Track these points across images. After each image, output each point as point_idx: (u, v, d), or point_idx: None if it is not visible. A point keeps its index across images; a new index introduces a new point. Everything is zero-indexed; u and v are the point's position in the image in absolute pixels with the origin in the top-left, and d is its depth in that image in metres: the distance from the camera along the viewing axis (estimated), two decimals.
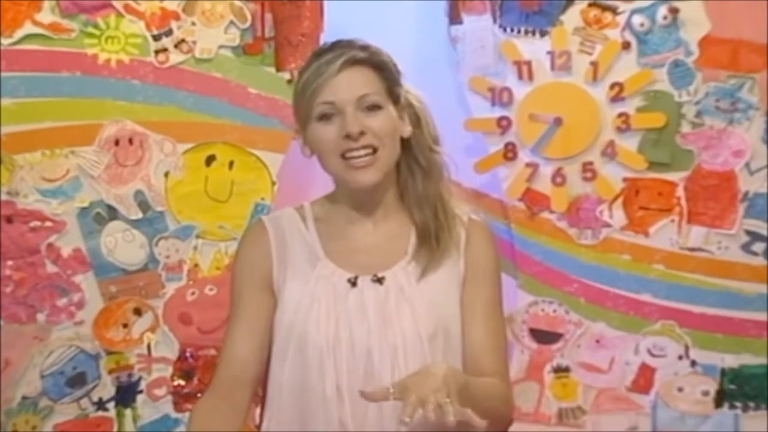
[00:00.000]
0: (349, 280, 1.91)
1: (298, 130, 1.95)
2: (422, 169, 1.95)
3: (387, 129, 1.88)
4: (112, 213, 2.83)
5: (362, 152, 1.87)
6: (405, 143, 1.95)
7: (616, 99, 2.89)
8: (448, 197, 1.97)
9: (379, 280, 1.91)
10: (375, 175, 1.88)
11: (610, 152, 2.90)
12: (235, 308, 1.96)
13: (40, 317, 2.81)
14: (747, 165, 2.89)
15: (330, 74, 1.86)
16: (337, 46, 1.92)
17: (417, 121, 1.96)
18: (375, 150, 1.87)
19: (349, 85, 1.87)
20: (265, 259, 1.94)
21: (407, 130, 1.94)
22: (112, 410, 2.86)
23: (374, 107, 1.88)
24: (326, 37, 2.82)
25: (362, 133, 1.86)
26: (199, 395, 2.79)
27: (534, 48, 2.90)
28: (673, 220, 2.92)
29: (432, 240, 1.93)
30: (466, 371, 1.92)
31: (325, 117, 1.88)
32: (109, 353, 2.85)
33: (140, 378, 2.87)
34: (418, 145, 1.95)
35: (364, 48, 1.92)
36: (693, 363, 2.93)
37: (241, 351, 1.92)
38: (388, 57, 1.95)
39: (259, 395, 2.06)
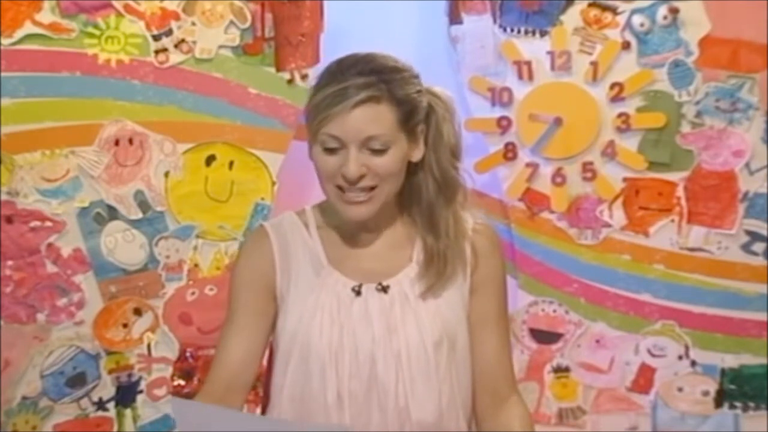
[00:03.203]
0: (353, 289, 1.88)
1: (308, 139, 1.89)
2: (437, 184, 1.90)
3: (391, 169, 1.83)
4: (112, 213, 2.83)
5: (359, 191, 1.82)
6: (422, 157, 1.89)
7: (616, 99, 2.89)
8: (460, 214, 1.92)
9: (384, 289, 1.88)
10: (369, 211, 1.85)
11: (610, 152, 2.90)
12: (233, 313, 1.93)
13: (40, 317, 2.81)
14: (747, 165, 2.89)
15: (343, 108, 1.78)
16: (358, 68, 1.82)
17: (439, 133, 1.89)
18: (374, 188, 1.83)
19: (359, 124, 1.79)
20: (268, 266, 1.91)
21: (418, 154, 1.87)
22: (112, 410, 2.86)
23: (381, 149, 1.81)
24: (326, 37, 2.83)
25: (362, 176, 1.81)
26: None
27: (534, 48, 2.90)
28: (673, 220, 2.92)
29: (441, 262, 1.88)
30: (480, 383, 1.93)
31: (329, 147, 1.82)
32: (109, 353, 2.85)
33: (140, 378, 2.87)
34: (437, 161, 1.89)
35: (386, 76, 1.81)
36: (693, 363, 2.93)
37: (236, 356, 1.89)
38: (411, 83, 1.85)
39: (260, 396, 2.06)
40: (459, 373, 1.90)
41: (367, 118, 1.80)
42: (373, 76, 1.80)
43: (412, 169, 1.89)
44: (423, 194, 1.90)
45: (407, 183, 1.90)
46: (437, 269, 1.89)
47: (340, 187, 1.83)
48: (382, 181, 1.83)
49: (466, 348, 1.92)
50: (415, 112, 1.85)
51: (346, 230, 1.92)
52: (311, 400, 1.86)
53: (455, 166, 1.91)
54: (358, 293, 1.88)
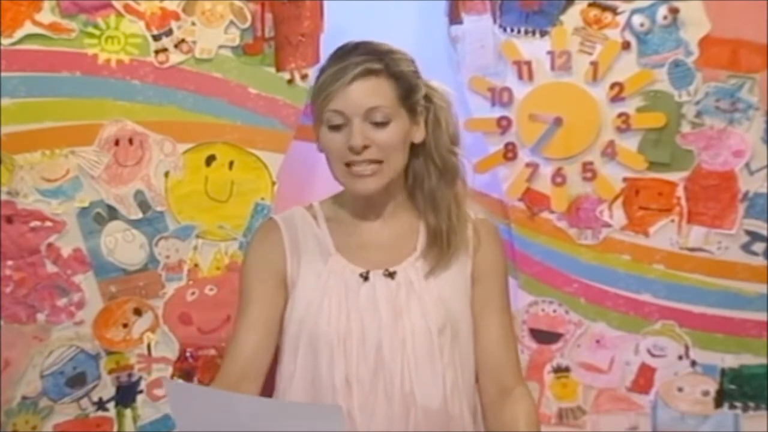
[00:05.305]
0: (361, 275, 1.94)
1: (314, 126, 1.99)
2: (438, 170, 1.98)
3: (394, 142, 1.91)
4: (112, 213, 2.83)
5: (365, 164, 1.90)
6: (422, 143, 1.97)
7: (616, 99, 2.89)
8: (463, 198, 2.00)
9: (391, 275, 1.94)
10: (376, 184, 1.92)
11: (610, 152, 2.90)
12: (246, 302, 1.98)
13: (40, 317, 2.81)
14: (747, 165, 2.89)
15: (343, 83, 1.88)
16: (358, 50, 1.93)
17: (437, 121, 1.98)
18: (379, 162, 1.90)
19: (360, 97, 1.89)
20: (278, 254, 1.97)
21: (420, 135, 1.97)
22: (112, 410, 2.86)
23: (383, 122, 1.90)
24: (326, 37, 2.83)
25: (366, 147, 1.89)
26: None
27: (534, 48, 2.90)
28: (673, 220, 2.92)
29: (443, 242, 1.95)
30: (484, 372, 1.96)
31: (333, 125, 1.91)
32: (109, 353, 2.85)
33: (140, 378, 2.87)
34: (437, 147, 1.97)
35: (384, 56, 1.92)
36: (693, 363, 2.93)
37: (250, 345, 1.94)
38: (408, 64, 1.96)
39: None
40: (462, 360, 1.94)
41: (367, 91, 1.89)
42: (370, 55, 1.91)
43: (414, 154, 1.97)
44: (425, 181, 1.98)
45: (410, 170, 1.98)
46: (439, 249, 1.95)
47: (348, 164, 1.90)
48: (387, 156, 1.90)
49: (469, 336, 1.97)
50: (414, 90, 1.94)
51: (352, 222, 1.99)
52: (319, 384, 1.91)
53: (454, 152, 1.99)
54: (366, 279, 1.93)
